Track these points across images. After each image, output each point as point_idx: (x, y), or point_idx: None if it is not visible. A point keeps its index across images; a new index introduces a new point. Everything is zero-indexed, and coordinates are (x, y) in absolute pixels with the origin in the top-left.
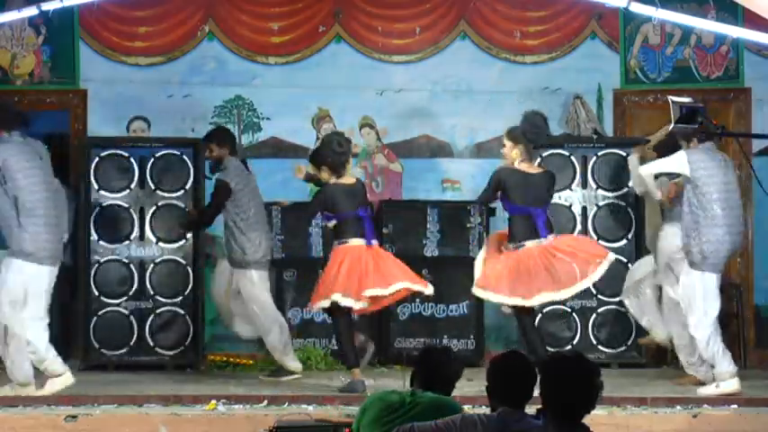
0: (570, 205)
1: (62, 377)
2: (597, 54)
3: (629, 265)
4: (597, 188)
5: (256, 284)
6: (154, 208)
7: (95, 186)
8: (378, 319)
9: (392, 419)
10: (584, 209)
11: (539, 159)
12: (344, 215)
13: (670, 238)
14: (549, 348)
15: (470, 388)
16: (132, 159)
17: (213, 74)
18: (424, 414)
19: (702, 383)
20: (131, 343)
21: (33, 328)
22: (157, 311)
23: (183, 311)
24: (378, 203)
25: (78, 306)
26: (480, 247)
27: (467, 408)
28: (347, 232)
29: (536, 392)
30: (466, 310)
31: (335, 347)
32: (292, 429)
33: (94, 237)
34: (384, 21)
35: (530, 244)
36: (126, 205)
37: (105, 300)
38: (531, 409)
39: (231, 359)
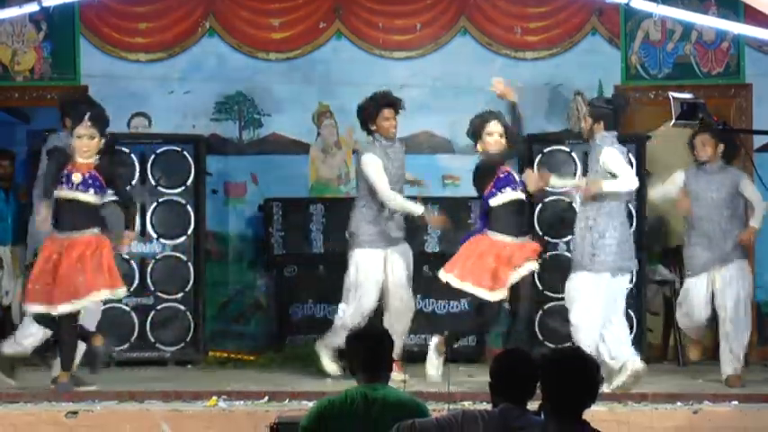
0: (570, 203)
1: None
2: (598, 50)
3: None
4: None
5: None
6: (155, 204)
7: None
8: (377, 316)
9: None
10: None
11: (539, 156)
12: None
13: None
14: (549, 345)
15: (471, 384)
16: (133, 155)
17: (214, 70)
18: (386, 413)
19: None
20: (132, 339)
21: None
22: (158, 307)
23: (183, 307)
24: None
25: None
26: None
27: (467, 404)
28: None
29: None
30: (467, 307)
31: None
32: (294, 426)
33: None
34: (385, 17)
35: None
36: None
37: None
38: (531, 405)
39: (232, 355)
